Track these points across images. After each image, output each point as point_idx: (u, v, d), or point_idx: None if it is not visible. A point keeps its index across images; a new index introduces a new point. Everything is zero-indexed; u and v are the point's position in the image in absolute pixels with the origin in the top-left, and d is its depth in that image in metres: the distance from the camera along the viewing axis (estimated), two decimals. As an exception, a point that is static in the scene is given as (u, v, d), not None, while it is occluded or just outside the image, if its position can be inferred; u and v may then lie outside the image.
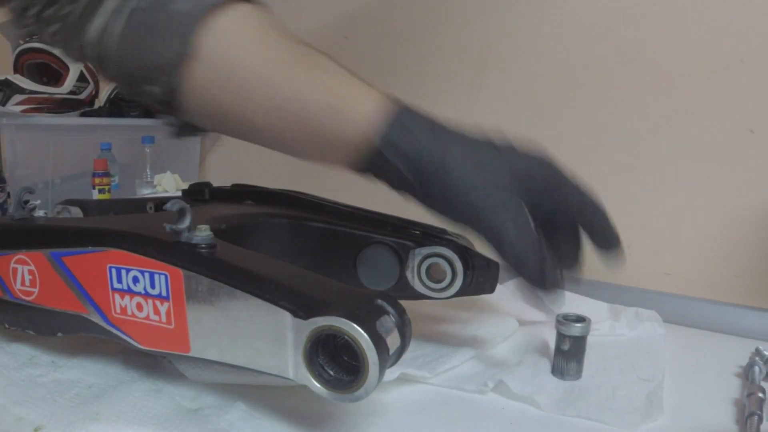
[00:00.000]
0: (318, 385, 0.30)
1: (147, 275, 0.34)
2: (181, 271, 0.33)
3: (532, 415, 0.38)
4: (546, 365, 0.45)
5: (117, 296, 0.36)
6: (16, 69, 1.10)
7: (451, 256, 0.44)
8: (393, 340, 0.30)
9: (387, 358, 0.29)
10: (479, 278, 0.45)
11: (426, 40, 0.84)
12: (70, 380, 0.41)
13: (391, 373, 0.39)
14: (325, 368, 0.30)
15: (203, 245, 0.34)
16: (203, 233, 0.34)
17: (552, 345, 0.45)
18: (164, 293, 0.34)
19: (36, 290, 0.40)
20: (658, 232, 0.68)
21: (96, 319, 0.37)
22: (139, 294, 0.35)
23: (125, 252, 0.35)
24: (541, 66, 0.74)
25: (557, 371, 0.43)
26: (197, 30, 0.33)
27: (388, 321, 0.30)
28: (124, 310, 0.36)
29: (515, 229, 0.33)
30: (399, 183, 0.35)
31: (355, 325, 0.27)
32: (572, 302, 0.58)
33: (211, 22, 0.33)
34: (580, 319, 0.43)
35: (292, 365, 0.30)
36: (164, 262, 0.34)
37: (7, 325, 0.43)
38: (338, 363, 0.30)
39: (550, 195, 0.36)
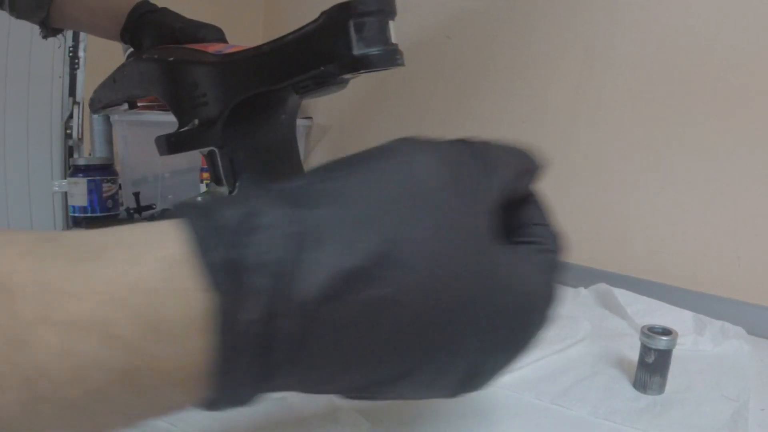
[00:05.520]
0: None
1: None
2: None
3: (609, 428, 0.37)
4: (624, 377, 0.43)
5: None
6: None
7: None
8: None
9: None
10: None
11: (529, 40, 0.81)
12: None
13: None
14: None
15: None
16: None
17: (628, 355, 0.44)
18: None
19: None
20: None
21: None
22: None
23: None
24: (649, 68, 0.69)
25: (639, 384, 0.41)
26: None
27: None
28: None
29: None
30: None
31: None
32: (656, 310, 0.55)
33: None
34: (667, 331, 0.40)
35: None
36: None
37: None
38: None
39: None
